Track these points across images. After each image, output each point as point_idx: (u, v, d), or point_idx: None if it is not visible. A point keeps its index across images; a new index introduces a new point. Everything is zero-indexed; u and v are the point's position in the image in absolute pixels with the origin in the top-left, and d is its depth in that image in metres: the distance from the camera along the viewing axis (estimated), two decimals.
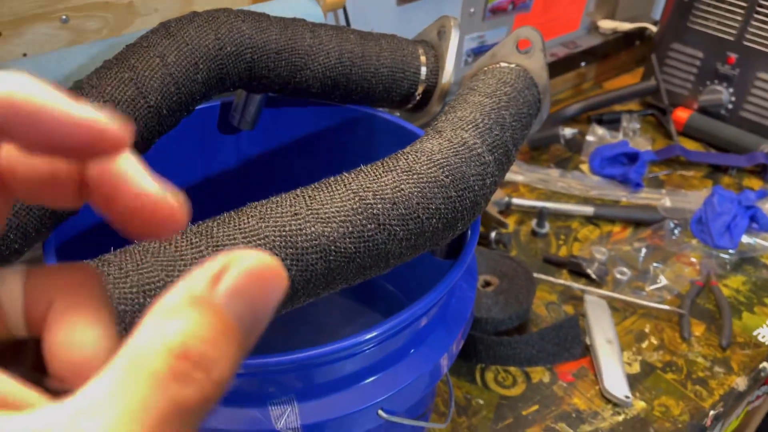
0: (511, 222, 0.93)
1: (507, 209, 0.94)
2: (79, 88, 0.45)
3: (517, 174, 1.00)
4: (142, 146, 0.48)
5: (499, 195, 0.93)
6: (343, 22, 0.84)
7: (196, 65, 0.49)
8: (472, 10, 1.01)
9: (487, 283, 0.77)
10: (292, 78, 0.55)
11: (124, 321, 0.33)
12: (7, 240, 0.40)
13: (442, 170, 0.40)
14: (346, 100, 0.60)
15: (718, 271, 0.85)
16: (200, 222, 0.37)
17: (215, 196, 0.65)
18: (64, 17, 0.63)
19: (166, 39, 0.49)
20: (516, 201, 0.94)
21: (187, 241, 0.35)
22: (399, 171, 0.40)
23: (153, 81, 0.47)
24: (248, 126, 0.61)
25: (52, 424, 0.13)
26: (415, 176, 0.40)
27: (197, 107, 0.57)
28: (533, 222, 0.92)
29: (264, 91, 0.57)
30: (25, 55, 0.62)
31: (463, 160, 0.41)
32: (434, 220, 0.40)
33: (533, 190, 0.99)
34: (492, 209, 0.91)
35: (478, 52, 1.06)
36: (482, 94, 0.50)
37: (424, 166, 0.40)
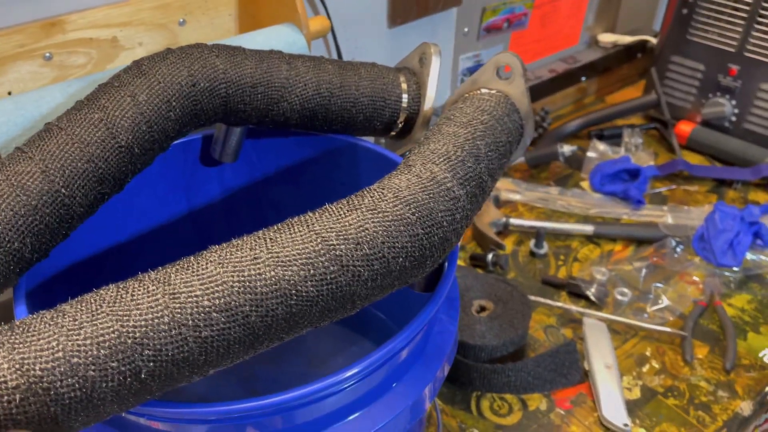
0: (509, 243, 0.92)
1: (505, 230, 0.93)
2: (48, 131, 0.45)
3: (515, 193, 0.99)
4: (116, 186, 0.47)
5: (496, 215, 0.92)
6: (332, 47, 0.84)
7: (169, 103, 0.49)
8: (466, 29, 1.00)
9: (482, 308, 0.75)
10: (270, 111, 0.55)
11: (77, 374, 0.32)
12: None
13: (408, 207, 0.39)
14: (327, 130, 0.59)
15: (722, 290, 0.83)
16: (159, 268, 0.37)
17: (200, 229, 0.65)
18: (47, 54, 0.63)
19: (137, 78, 0.49)
20: (514, 221, 0.93)
21: (143, 288, 0.35)
22: (364, 209, 0.39)
23: (124, 120, 0.47)
24: (230, 158, 0.61)
25: None
26: (380, 214, 0.39)
27: (177, 141, 0.57)
28: (532, 242, 0.90)
29: (242, 125, 0.57)
30: (9, 93, 0.62)
31: (431, 196, 0.41)
32: (401, 259, 0.39)
33: (532, 210, 0.98)
34: (489, 230, 0.89)
35: (474, 71, 1.05)
36: (458, 124, 0.49)
37: (390, 204, 0.39)
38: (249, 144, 0.62)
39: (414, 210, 0.40)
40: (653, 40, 1.23)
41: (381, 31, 0.90)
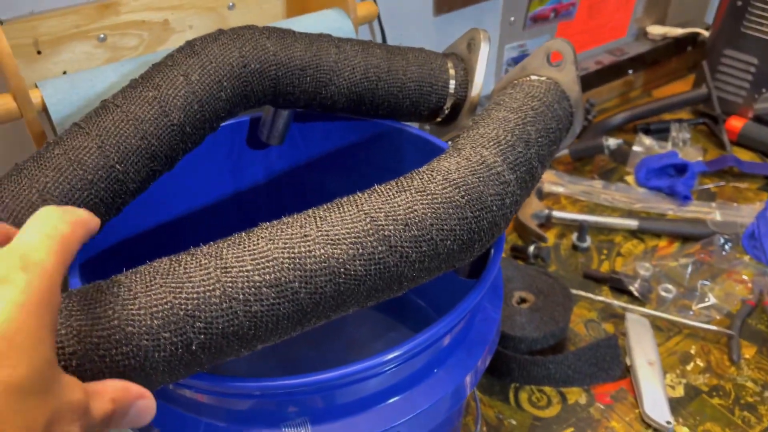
0: (551, 235, 0.91)
1: (547, 222, 0.92)
2: (105, 107, 0.46)
3: (558, 186, 0.98)
4: (167, 164, 0.48)
5: (539, 207, 0.91)
6: (378, 34, 0.84)
7: (220, 83, 0.49)
8: (512, 18, 0.99)
9: (522, 300, 0.75)
10: (318, 94, 0.55)
11: (131, 342, 0.33)
12: None
13: (457, 190, 0.39)
14: (373, 114, 0.59)
15: None
16: (211, 243, 0.37)
17: (244, 211, 0.66)
18: (101, 36, 0.64)
19: (190, 57, 0.49)
20: (557, 214, 0.91)
21: (196, 262, 0.35)
22: (413, 191, 0.39)
23: (176, 99, 0.47)
24: (277, 141, 0.61)
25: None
26: (429, 196, 0.38)
27: (225, 123, 0.57)
28: (574, 235, 0.89)
29: (289, 107, 0.57)
30: (64, 73, 0.64)
31: (481, 179, 0.40)
32: (449, 242, 0.38)
33: (575, 203, 0.96)
34: (531, 222, 0.88)
35: (519, 61, 1.04)
36: (508, 109, 0.48)
37: (439, 186, 0.39)
38: (295, 127, 0.62)
39: (464, 193, 0.39)
40: (704, 33, 1.20)
41: (426, 18, 0.89)
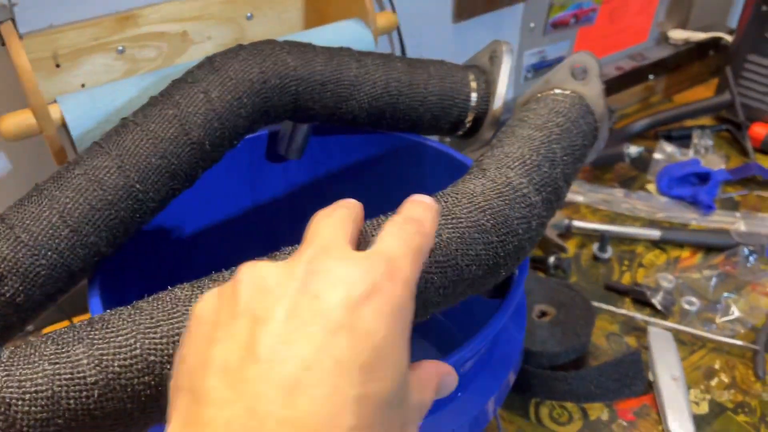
0: (571, 246, 0.89)
1: (567, 232, 0.91)
2: (124, 126, 0.46)
3: (578, 194, 0.96)
4: (187, 182, 0.48)
5: (559, 217, 0.90)
6: (396, 43, 0.83)
7: (240, 99, 0.49)
8: (532, 24, 0.98)
9: (543, 313, 0.74)
10: (338, 108, 0.54)
11: (153, 372, 0.32)
12: (52, 279, 0.41)
13: (483, 214, 0.38)
14: (394, 128, 0.58)
15: None
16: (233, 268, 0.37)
17: (263, 225, 0.65)
18: (120, 47, 0.64)
19: (210, 74, 0.49)
20: (577, 223, 0.90)
21: None
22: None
23: (196, 117, 0.47)
24: (296, 155, 0.60)
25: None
26: (454, 221, 0.38)
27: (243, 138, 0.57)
28: (595, 246, 0.88)
29: (309, 122, 0.56)
30: (83, 86, 0.64)
31: (507, 202, 0.39)
32: (474, 267, 0.38)
33: (595, 212, 0.95)
34: (551, 232, 0.87)
35: (539, 68, 1.03)
36: (532, 127, 0.47)
37: (465, 210, 0.38)
38: (314, 141, 0.61)
39: (489, 217, 0.38)
40: (727, 38, 1.18)
41: (445, 26, 0.88)
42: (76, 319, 0.68)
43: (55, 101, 0.54)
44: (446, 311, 0.72)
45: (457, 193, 0.39)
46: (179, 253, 0.60)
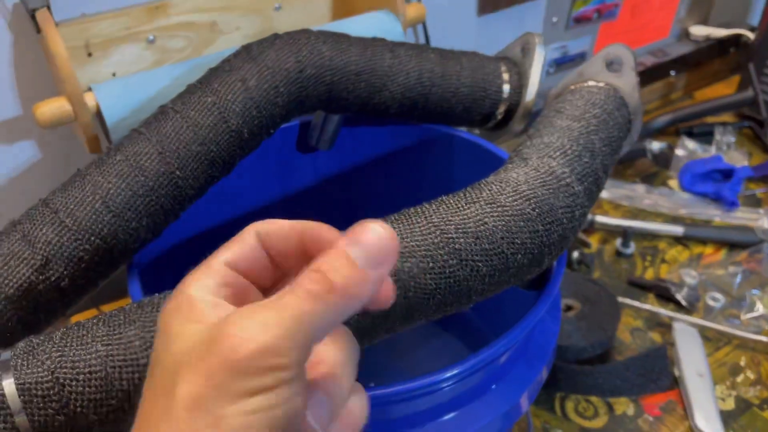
0: (594, 241, 0.89)
1: (590, 227, 0.90)
2: (164, 113, 0.46)
3: None
4: (225, 170, 0.48)
5: None
6: (421, 35, 0.83)
7: (277, 88, 0.49)
8: (555, 19, 0.98)
9: (568, 308, 0.74)
10: (371, 99, 0.54)
11: None
12: (94, 263, 0.41)
13: (528, 202, 0.38)
14: (425, 119, 0.58)
15: None
16: None
17: (292, 215, 0.65)
18: (150, 37, 0.64)
19: (247, 63, 0.49)
20: (599, 219, 0.90)
21: None
22: (482, 203, 0.38)
23: (235, 105, 0.47)
24: (326, 146, 0.60)
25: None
26: (499, 209, 0.38)
27: None
28: (618, 241, 0.87)
29: (342, 112, 0.56)
30: (114, 75, 0.64)
31: (551, 191, 0.39)
32: (519, 256, 0.38)
33: (618, 208, 0.95)
34: None
35: (561, 62, 1.03)
36: (570, 118, 0.47)
37: (509, 198, 0.38)
38: (345, 132, 0.61)
39: (534, 205, 0.38)
40: (749, 34, 1.17)
41: (470, 18, 0.88)
42: (104, 308, 0.69)
43: (89, 89, 0.55)
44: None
45: (501, 182, 0.39)
46: (211, 240, 0.59)
